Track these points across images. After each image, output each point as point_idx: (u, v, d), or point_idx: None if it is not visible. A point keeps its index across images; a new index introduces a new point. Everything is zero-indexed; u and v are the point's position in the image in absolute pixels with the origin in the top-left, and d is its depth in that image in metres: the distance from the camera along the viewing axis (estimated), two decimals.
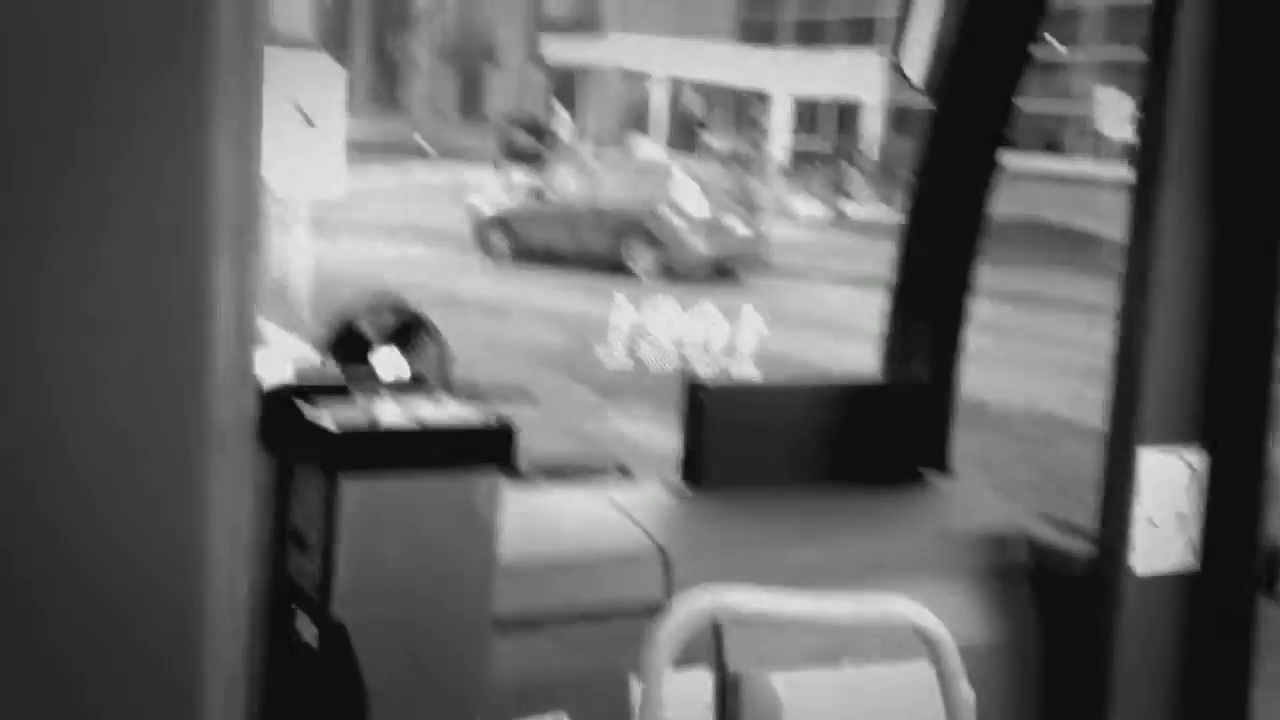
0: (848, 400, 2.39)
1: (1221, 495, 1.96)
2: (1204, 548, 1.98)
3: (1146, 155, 1.89)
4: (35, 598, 0.83)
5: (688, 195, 17.92)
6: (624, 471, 2.52)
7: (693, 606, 1.59)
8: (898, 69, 2.31)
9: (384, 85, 43.73)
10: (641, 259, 17.80)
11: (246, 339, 0.87)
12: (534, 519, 2.05)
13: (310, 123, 8.64)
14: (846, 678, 2.02)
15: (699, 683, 1.96)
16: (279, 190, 9.04)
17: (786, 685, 1.97)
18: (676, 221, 17.55)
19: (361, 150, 27.31)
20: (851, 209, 24.42)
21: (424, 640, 1.68)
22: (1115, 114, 18.54)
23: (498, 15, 39.97)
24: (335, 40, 40.63)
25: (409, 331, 1.99)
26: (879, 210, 23.22)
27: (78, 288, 0.82)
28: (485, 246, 19.17)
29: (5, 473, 0.83)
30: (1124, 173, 2.08)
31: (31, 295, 0.81)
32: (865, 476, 2.36)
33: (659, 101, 25.88)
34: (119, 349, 0.83)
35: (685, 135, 27.87)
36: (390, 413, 1.70)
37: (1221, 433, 1.95)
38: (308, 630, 1.68)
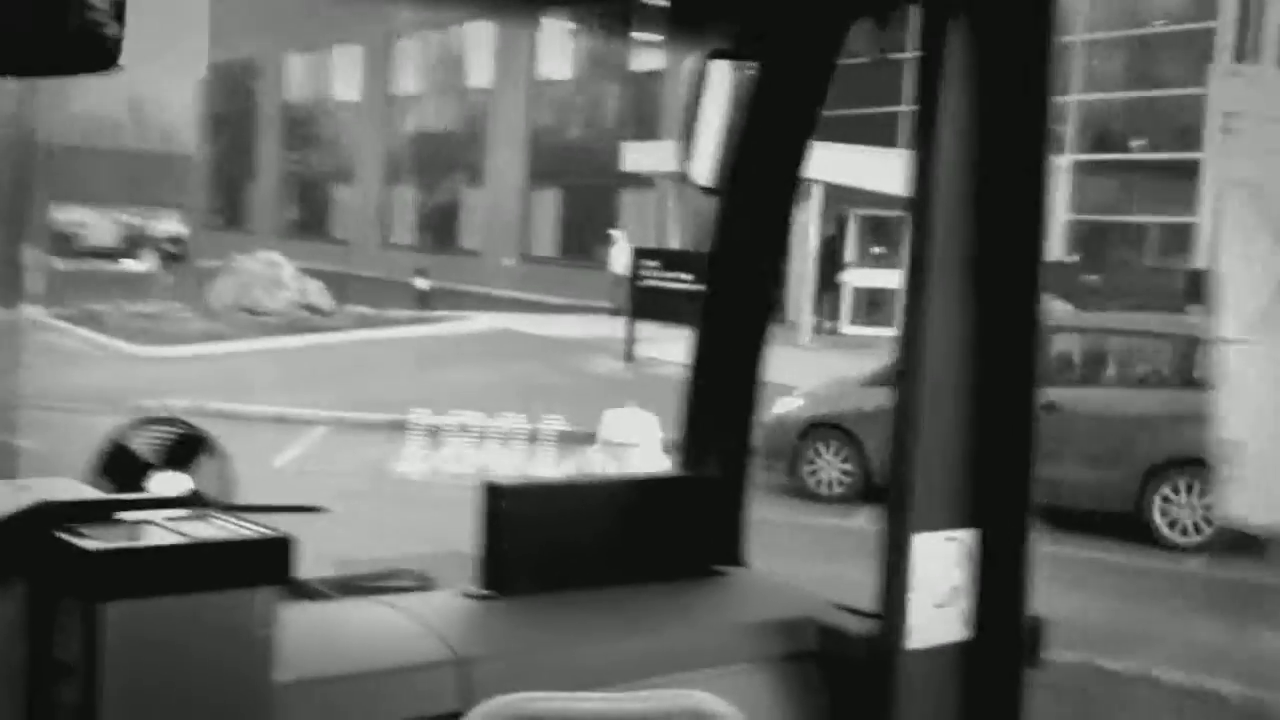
0: (642, 495, 2.45)
1: (991, 571, 2.07)
2: (975, 620, 2.08)
3: (915, 253, 1.99)
4: None
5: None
6: (423, 581, 2.44)
7: (488, 713, 1.58)
8: (684, 176, 2.45)
9: (306, 210, 35.87)
10: (1184, 512, 9.74)
11: None
12: (322, 632, 1.97)
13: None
14: None
15: None
16: None
17: None
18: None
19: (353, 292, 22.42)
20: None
21: None
22: None
23: (487, 120, 30.87)
24: (235, 159, 34.64)
25: (188, 449, 1.95)
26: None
27: None
28: (796, 475, 10.74)
29: None
30: None
31: None
32: (662, 571, 2.40)
33: (809, 219, 19.28)
34: None
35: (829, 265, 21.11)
36: (158, 533, 1.64)
37: (990, 513, 2.07)
38: None
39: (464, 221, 31.70)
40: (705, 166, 2.42)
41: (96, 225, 40.25)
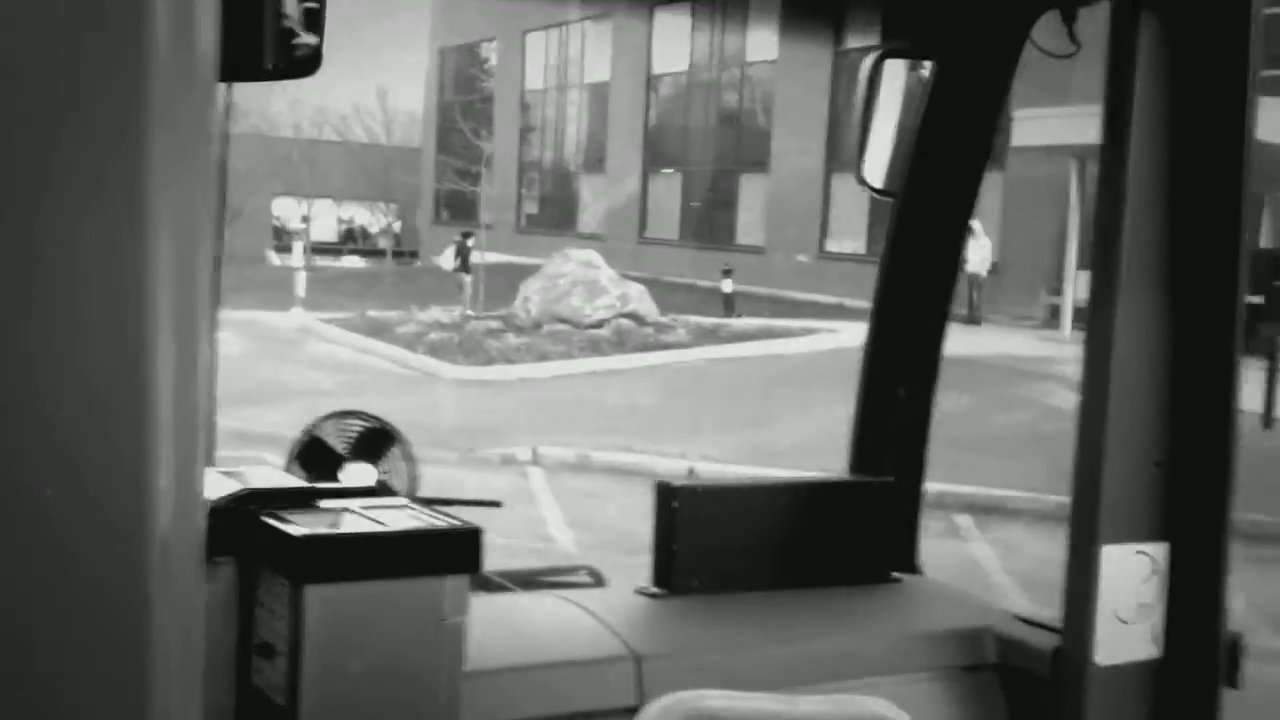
0: (816, 499, 2.42)
1: (1183, 586, 1.98)
2: (1166, 638, 1.99)
3: (1103, 251, 1.93)
4: None
5: None
6: (595, 577, 2.55)
7: (664, 709, 1.60)
8: (859, 178, 2.43)
9: (548, 204, 33.38)
10: None
11: (191, 454, 0.88)
12: (504, 624, 2.06)
13: None
14: None
15: None
16: None
17: None
18: None
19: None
20: None
21: None
22: None
23: (773, 99, 27.08)
24: (466, 149, 30.73)
25: (377, 442, 2.09)
26: None
27: (18, 408, 0.85)
28: None
29: None
30: None
31: None
32: (834, 575, 2.39)
33: None
34: (57, 462, 0.86)
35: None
36: (357, 521, 1.73)
37: (1183, 525, 1.97)
38: None
39: (742, 215, 28.07)
40: (878, 168, 2.40)
41: (318, 220, 38.23)
